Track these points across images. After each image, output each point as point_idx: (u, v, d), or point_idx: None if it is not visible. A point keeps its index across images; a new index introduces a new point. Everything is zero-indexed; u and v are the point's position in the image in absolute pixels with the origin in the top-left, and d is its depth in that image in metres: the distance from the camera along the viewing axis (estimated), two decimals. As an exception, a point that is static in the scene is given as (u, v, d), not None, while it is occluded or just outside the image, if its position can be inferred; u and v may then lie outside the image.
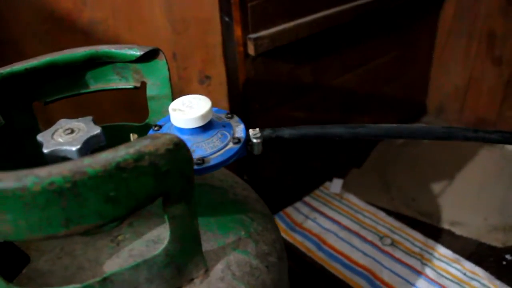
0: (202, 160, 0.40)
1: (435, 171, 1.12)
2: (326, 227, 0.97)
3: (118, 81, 0.53)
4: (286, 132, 0.46)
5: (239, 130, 0.44)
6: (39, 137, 0.40)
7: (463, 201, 1.02)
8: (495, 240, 0.91)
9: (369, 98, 1.12)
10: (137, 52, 0.50)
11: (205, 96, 0.43)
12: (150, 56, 0.51)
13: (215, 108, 0.46)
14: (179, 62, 0.75)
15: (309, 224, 0.98)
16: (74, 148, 0.38)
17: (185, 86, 0.78)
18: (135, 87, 0.53)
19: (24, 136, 0.50)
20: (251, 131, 0.45)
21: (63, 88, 0.51)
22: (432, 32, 1.20)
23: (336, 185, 1.08)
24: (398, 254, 0.90)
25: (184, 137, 0.42)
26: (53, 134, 0.40)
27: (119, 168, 0.31)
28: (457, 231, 0.95)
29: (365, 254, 0.90)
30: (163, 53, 0.51)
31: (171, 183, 0.35)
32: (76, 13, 0.70)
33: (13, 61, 0.75)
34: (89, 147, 0.40)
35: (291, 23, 0.77)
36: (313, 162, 1.07)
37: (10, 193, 0.29)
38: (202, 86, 0.78)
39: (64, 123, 0.42)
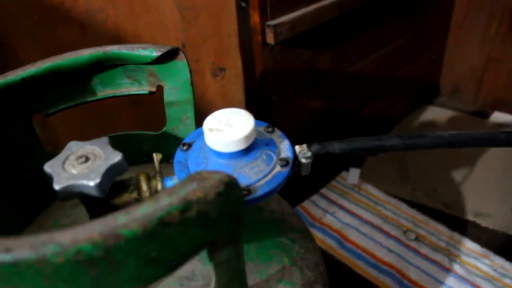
0: (248, 190, 0.33)
1: (455, 156, 1.07)
2: (346, 221, 0.92)
3: (130, 86, 0.46)
4: (336, 147, 0.39)
5: (285, 148, 0.37)
6: (47, 168, 0.33)
7: (487, 190, 0.98)
8: (525, 231, 0.87)
9: (384, 82, 1.06)
10: (153, 53, 0.42)
11: (245, 111, 0.36)
12: (168, 56, 0.43)
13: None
14: (189, 53, 0.67)
15: (328, 219, 0.93)
16: (92, 183, 0.31)
17: (197, 80, 0.70)
18: (150, 92, 0.46)
19: (23, 155, 0.43)
20: (297, 149, 0.38)
21: (66, 97, 0.44)
22: (449, 10, 1.13)
23: (353, 175, 1.02)
24: (424, 250, 0.85)
25: (222, 162, 0.35)
26: (63, 163, 0.33)
27: (162, 224, 0.24)
28: (483, 222, 0.91)
29: (389, 250, 0.85)
30: (184, 53, 0.43)
31: (220, 229, 0.28)
32: (70, 1, 0.61)
33: (3, 64, 0.67)
34: (110, 179, 0.33)
35: (312, 7, 0.69)
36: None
37: (24, 267, 0.22)
38: (215, 79, 0.70)
39: (75, 148, 0.35)
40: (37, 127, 0.43)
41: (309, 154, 0.37)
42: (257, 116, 0.76)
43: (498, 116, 1.18)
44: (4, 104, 0.39)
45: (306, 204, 0.97)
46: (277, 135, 0.38)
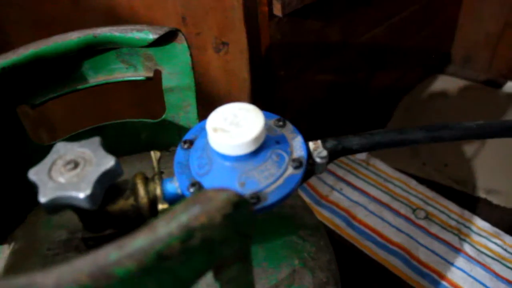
0: (257, 197, 0.30)
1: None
2: (354, 199, 0.89)
3: (125, 71, 0.42)
4: (354, 142, 0.35)
5: (297, 146, 0.33)
6: (32, 176, 0.29)
7: (499, 165, 0.94)
8: (538, 210, 0.84)
9: (395, 52, 1.00)
10: (149, 36, 0.38)
11: (253, 106, 0.31)
12: (165, 39, 0.39)
13: (261, 111, 0.35)
14: (190, 27, 0.62)
15: (335, 196, 0.90)
16: (82, 195, 0.28)
17: (198, 55, 0.65)
18: (147, 78, 0.42)
19: (10, 150, 0.39)
20: (311, 146, 0.34)
21: (54, 85, 0.40)
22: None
23: (360, 150, 0.98)
24: (433, 229, 0.83)
25: (228, 165, 0.31)
26: (50, 170, 0.30)
27: (160, 258, 0.21)
28: (494, 200, 0.88)
29: (398, 230, 0.83)
30: (183, 34, 0.39)
31: (227, 251, 0.25)
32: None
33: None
34: (103, 187, 0.29)
35: (322, -26, 0.64)
36: (334, 124, 0.97)
37: (2, 315, 0.19)
38: (218, 55, 0.65)
39: (63, 150, 0.31)
40: (23, 119, 0.39)
41: (324, 153, 0.33)
42: (264, 93, 0.71)
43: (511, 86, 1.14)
44: (-16, 96, 0.35)
45: (313, 180, 0.94)
46: (288, 130, 0.34)
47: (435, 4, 1.04)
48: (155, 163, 0.34)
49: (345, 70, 0.86)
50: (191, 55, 0.40)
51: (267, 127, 0.34)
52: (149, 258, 0.20)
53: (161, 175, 0.34)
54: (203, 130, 0.34)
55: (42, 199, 0.28)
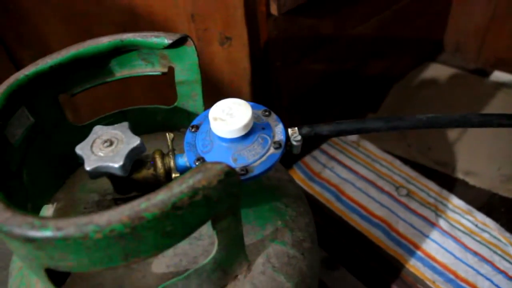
0: (246, 170, 0.40)
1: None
2: (343, 176, 0.99)
3: (144, 67, 0.51)
4: (324, 128, 0.45)
5: (279, 131, 0.43)
6: (78, 151, 0.40)
7: (478, 150, 1.03)
8: (507, 191, 0.93)
9: (387, 42, 1.08)
10: (164, 41, 0.47)
11: (244, 101, 0.41)
12: (178, 43, 0.48)
13: (251, 103, 0.44)
14: (198, 23, 0.71)
15: (327, 173, 1.00)
16: (117, 165, 0.38)
17: (205, 48, 0.75)
18: (162, 73, 0.51)
19: (53, 130, 0.49)
20: (290, 132, 0.44)
21: (88, 78, 0.49)
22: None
23: (352, 132, 1.08)
24: (413, 205, 0.93)
25: (225, 145, 0.41)
26: (91, 146, 0.40)
27: (175, 208, 0.31)
28: (471, 181, 0.97)
29: (381, 205, 0.93)
30: (192, 39, 0.48)
31: (221, 206, 0.35)
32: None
33: (22, 25, 0.72)
34: (131, 160, 0.39)
35: (315, -23, 0.72)
36: (329, 108, 1.06)
37: (71, 241, 0.29)
38: (222, 47, 0.74)
39: (100, 132, 0.41)
40: (64, 105, 0.49)
41: (299, 137, 0.43)
42: (262, 80, 0.81)
43: (498, 75, 1.21)
44: (36, 88, 0.45)
45: (307, 159, 1.03)
46: (272, 119, 0.44)
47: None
48: (169, 143, 0.44)
49: (337, 60, 0.95)
50: (198, 55, 0.49)
51: (255, 116, 0.44)
52: (167, 207, 0.30)
53: (174, 151, 0.44)
54: (206, 117, 0.44)
55: (87, 168, 0.38)
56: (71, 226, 0.29)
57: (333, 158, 1.04)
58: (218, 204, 0.34)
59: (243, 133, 0.40)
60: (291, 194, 0.54)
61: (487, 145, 1.03)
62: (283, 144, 0.42)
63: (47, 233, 0.29)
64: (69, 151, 0.45)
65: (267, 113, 0.44)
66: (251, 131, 0.41)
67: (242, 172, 0.39)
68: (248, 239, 0.46)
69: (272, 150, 0.41)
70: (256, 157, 0.40)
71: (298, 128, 0.44)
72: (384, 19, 1.00)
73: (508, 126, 0.50)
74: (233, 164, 0.40)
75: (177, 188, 0.31)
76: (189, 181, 0.32)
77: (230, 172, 0.33)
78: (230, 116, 0.40)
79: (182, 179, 0.32)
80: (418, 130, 1.06)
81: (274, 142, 0.42)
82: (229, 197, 0.35)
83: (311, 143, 1.05)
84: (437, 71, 1.27)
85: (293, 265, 0.47)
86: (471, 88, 1.21)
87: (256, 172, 0.40)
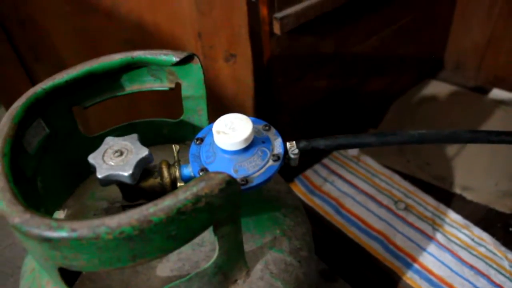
0: (246, 180, 0.42)
1: (450, 133, 1.14)
2: (344, 190, 1.01)
3: (153, 82, 0.54)
4: (321, 143, 0.48)
5: (277, 144, 0.46)
6: (91, 160, 0.43)
7: (476, 166, 1.05)
8: (504, 206, 0.95)
9: (388, 59, 1.11)
10: (172, 59, 0.51)
11: (245, 116, 0.44)
12: (185, 60, 0.51)
13: (252, 118, 0.47)
14: (204, 41, 0.75)
15: (327, 187, 1.02)
16: (126, 174, 0.41)
17: (211, 64, 0.78)
18: (170, 88, 0.55)
19: (66, 140, 0.52)
20: (288, 145, 0.47)
21: (100, 92, 0.53)
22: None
23: (353, 147, 1.10)
24: (411, 218, 0.95)
25: (227, 157, 0.44)
26: (103, 156, 0.43)
27: (180, 213, 0.34)
28: (468, 196, 0.99)
29: (380, 218, 0.95)
30: (198, 58, 0.51)
31: (222, 213, 0.38)
32: (99, -6, 0.69)
33: (36, 38, 0.75)
34: (140, 169, 0.42)
35: (317, -1, 0.76)
36: (330, 124, 1.09)
37: (85, 241, 0.32)
38: (227, 64, 0.78)
39: (111, 143, 0.44)
40: (76, 116, 0.52)
41: (296, 151, 0.46)
42: (264, 96, 0.84)
43: (497, 93, 1.24)
44: (52, 100, 0.48)
45: (308, 172, 1.06)
46: (272, 133, 0.47)
47: (427, 16, 1.15)
48: (175, 154, 0.47)
49: (338, 77, 0.98)
50: (204, 73, 0.53)
51: (256, 130, 0.47)
52: (172, 212, 0.33)
53: (179, 162, 0.47)
54: (210, 131, 0.47)
55: (99, 175, 0.41)
56: (85, 228, 0.32)
57: (333, 172, 1.06)
58: (219, 210, 0.37)
59: (244, 146, 0.43)
60: (290, 204, 0.57)
61: (485, 161, 1.06)
62: (281, 157, 0.45)
63: (63, 234, 0.32)
64: (80, 160, 0.48)
65: (267, 127, 0.47)
66: (252, 144, 0.44)
67: (243, 182, 0.42)
68: (248, 246, 0.49)
69: (271, 162, 0.44)
70: (256, 168, 0.43)
71: (296, 142, 0.47)
72: (384, 38, 1.03)
73: (497, 142, 0.53)
74: (234, 175, 0.43)
75: (182, 195, 0.34)
76: (193, 188, 0.34)
77: (231, 182, 0.36)
78: (232, 130, 0.43)
79: (187, 187, 0.35)
80: (418, 145, 1.08)
81: (273, 155, 0.45)
82: (229, 205, 0.38)
83: (312, 157, 1.08)
84: (437, 88, 1.30)
85: (290, 272, 0.50)
86: (471, 105, 1.24)
87: (255, 182, 0.43)
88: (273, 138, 0.46)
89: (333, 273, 0.92)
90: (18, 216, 0.33)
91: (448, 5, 1.20)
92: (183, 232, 0.35)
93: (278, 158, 0.44)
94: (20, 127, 0.44)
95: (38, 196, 0.48)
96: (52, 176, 0.51)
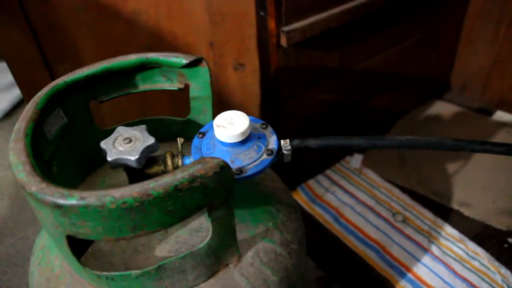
0: (240, 170, 0.47)
1: (452, 152, 1.17)
2: (344, 200, 1.05)
3: (164, 83, 0.59)
4: (313, 142, 0.52)
5: (272, 141, 0.50)
6: (103, 145, 0.48)
7: (475, 183, 1.08)
8: (500, 223, 0.97)
9: (394, 78, 1.15)
10: (182, 61, 0.56)
11: (243, 113, 0.49)
12: (194, 63, 0.56)
13: (251, 117, 0.52)
14: (215, 50, 0.80)
15: (328, 197, 1.06)
16: (133, 158, 0.46)
17: (221, 72, 0.83)
18: (179, 89, 0.59)
19: (82, 130, 0.57)
20: (282, 142, 0.51)
21: (116, 89, 0.58)
22: (460, 14, 1.20)
23: (356, 160, 1.14)
24: (408, 231, 0.97)
25: (225, 149, 0.48)
26: (113, 142, 0.48)
27: (176, 189, 0.38)
28: (465, 212, 1.01)
29: (378, 229, 0.98)
30: (206, 61, 0.56)
31: (216, 196, 0.42)
32: (121, 3, 0.75)
33: (62, 42, 0.82)
34: (145, 155, 0.47)
35: (322, 15, 0.80)
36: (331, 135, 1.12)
37: (91, 209, 0.37)
38: (236, 72, 0.83)
39: (122, 131, 0.49)
40: (92, 113, 0.58)
41: (289, 147, 0.50)
42: (270, 106, 0.89)
43: (500, 115, 1.27)
44: (71, 93, 0.53)
45: (311, 182, 1.10)
46: (268, 131, 0.51)
47: (433, 38, 1.19)
48: (179, 146, 0.52)
49: (342, 92, 1.02)
50: (210, 75, 0.57)
51: (254, 128, 0.51)
52: (170, 188, 0.37)
53: (182, 153, 0.51)
54: (212, 127, 0.52)
55: (109, 158, 0.46)
56: (92, 196, 0.36)
57: (335, 183, 1.10)
58: (213, 193, 0.41)
59: (240, 139, 0.47)
60: (284, 201, 0.61)
61: (484, 178, 1.08)
62: (275, 151, 0.49)
63: (73, 201, 0.36)
64: (93, 150, 0.53)
65: (264, 126, 0.52)
66: (248, 138, 0.49)
67: (237, 172, 0.47)
68: (241, 235, 0.53)
69: (264, 156, 0.48)
70: (251, 160, 0.48)
71: (290, 140, 0.51)
72: (390, 57, 1.07)
73: (481, 151, 0.56)
74: (230, 165, 0.47)
75: (180, 174, 0.38)
76: (190, 169, 0.39)
77: (224, 166, 0.40)
78: (230, 124, 0.47)
79: (184, 168, 0.39)
80: (419, 161, 1.11)
81: (267, 150, 0.49)
82: (223, 189, 0.42)
83: (316, 168, 1.12)
84: (442, 108, 1.33)
85: (280, 262, 0.53)
86: (475, 126, 1.27)
87: (249, 173, 0.47)
88: (269, 135, 0.51)
89: (330, 281, 0.95)
90: (35, 185, 0.38)
91: (454, 28, 1.24)
92: (179, 209, 0.39)
93: (272, 152, 0.49)
94: (42, 113, 0.49)
95: (53, 179, 0.53)
96: (67, 162, 0.56)
